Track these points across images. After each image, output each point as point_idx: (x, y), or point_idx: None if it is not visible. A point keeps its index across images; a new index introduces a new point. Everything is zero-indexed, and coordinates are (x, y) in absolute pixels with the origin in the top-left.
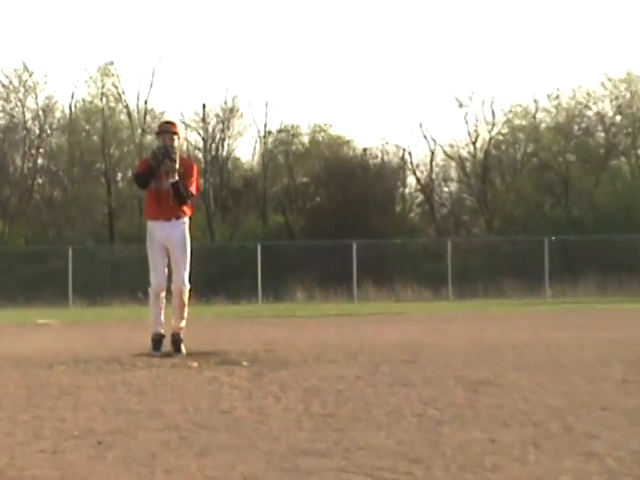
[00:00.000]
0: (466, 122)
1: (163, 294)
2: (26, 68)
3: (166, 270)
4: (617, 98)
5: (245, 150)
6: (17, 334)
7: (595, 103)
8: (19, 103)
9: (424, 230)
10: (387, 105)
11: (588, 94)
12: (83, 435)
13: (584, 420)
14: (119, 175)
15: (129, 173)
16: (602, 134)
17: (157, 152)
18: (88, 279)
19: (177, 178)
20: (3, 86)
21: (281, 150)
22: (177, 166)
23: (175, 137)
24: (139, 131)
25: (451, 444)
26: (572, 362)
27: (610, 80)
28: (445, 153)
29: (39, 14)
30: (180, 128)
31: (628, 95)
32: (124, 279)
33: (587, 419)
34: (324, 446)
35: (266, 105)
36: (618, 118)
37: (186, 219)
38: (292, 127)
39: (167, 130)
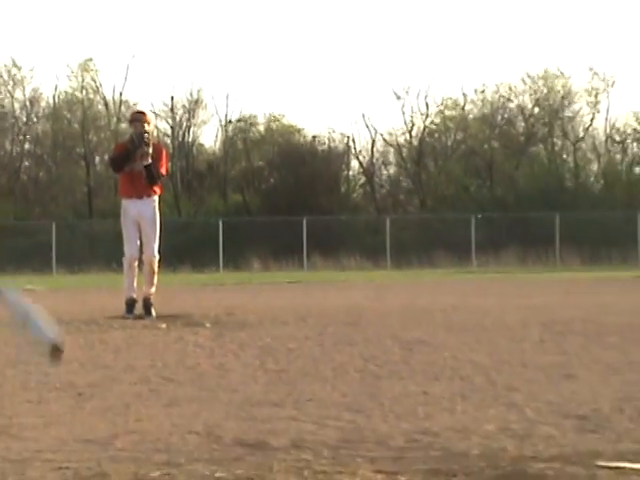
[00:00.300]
0: (403, 113)
1: (135, 263)
2: (15, 64)
3: (138, 242)
4: (535, 92)
5: (208, 137)
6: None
7: (516, 97)
8: (8, 94)
9: (366, 208)
10: (334, 97)
11: (510, 89)
12: (65, 387)
13: (505, 375)
14: (97, 158)
15: (105, 156)
16: (522, 124)
17: (135, 138)
18: (69, 250)
19: (150, 161)
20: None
21: (240, 137)
22: (150, 151)
23: (146, 124)
24: (115, 120)
25: (389, 396)
26: (495, 324)
27: (529, 77)
28: (384, 140)
29: (27, 15)
30: (150, 117)
31: (545, 90)
32: (101, 251)
33: (508, 374)
34: (277, 398)
35: (227, 97)
36: (536, 110)
37: (156, 197)
38: (250, 117)
39: (138, 119)
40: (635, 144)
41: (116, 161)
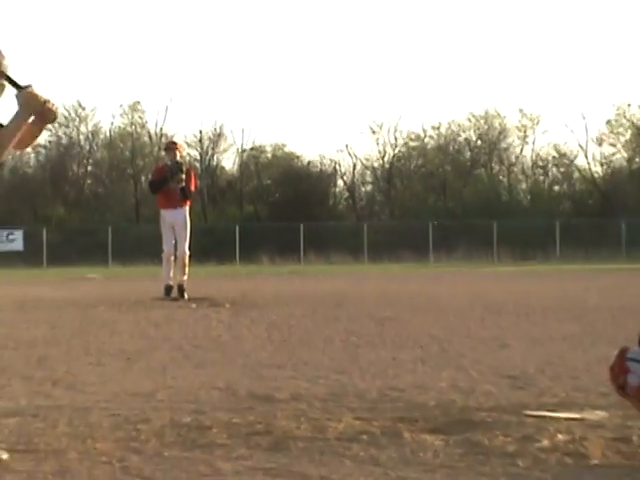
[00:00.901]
0: (377, 143)
1: (172, 258)
2: (80, 105)
3: (173, 242)
4: (478, 129)
5: (228, 162)
6: (74, 284)
7: (464, 131)
8: (75, 129)
9: (348, 216)
10: (325, 131)
11: (459, 125)
12: (117, 353)
13: (455, 345)
14: (142, 178)
15: (149, 176)
16: (468, 153)
17: (172, 167)
18: (121, 248)
19: (183, 184)
20: (65, 117)
21: (252, 162)
22: (183, 176)
23: (177, 152)
24: (156, 148)
25: (365, 361)
26: (447, 306)
27: (474, 116)
28: (363, 164)
29: (89, 67)
30: (181, 145)
31: (486, 127)
32: (145, 248)
33: (457, 344)
34: (280, 361)
35: (242, 131)
36: (479, 142)
37: (187, 208)
38: (260, 146)
39: (171, 148)
40: (554, 168)
41: (154, 185)
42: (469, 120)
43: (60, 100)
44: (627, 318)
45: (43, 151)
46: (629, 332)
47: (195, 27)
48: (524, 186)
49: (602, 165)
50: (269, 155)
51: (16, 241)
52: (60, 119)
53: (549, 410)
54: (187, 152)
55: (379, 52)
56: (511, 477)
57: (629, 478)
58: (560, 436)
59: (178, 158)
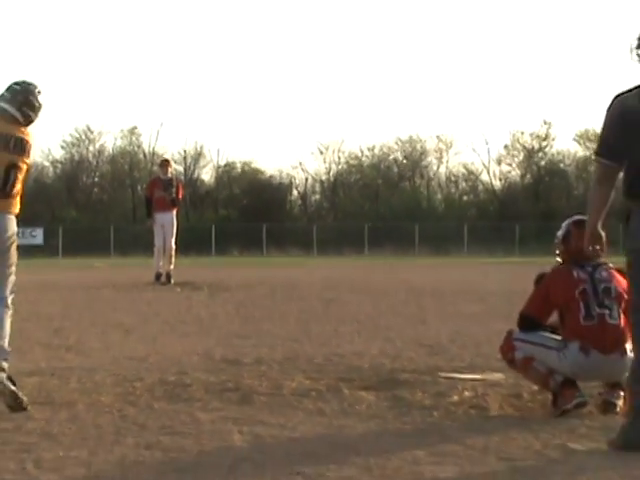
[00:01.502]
0: (324, 161)
1: (161, 251)
2: (89, 129)
3: (162, 238)
4: (404, 150)
5: (206, 175)
6: (83, 271)
7: (392, 152)
8: (85, 148)
9: (301, 219)
10: (283, 151)
11: (389, 147)
12: (117, 325)
13: (384, 320)
14: (139, 187)
15: (144, 185)
16: (396, 169)
17: (167, 184)
18: (121, 242)
19: (174, 195)
20: (77, 139)
21: (226, 175)
22: (173, 190)
23: (169, 168)
24: (150, 164)
25: (314, 332)
26: (378, 289)
27: (401, 140)
28: (313, 178)
29: (96, 98)
30: (171, 162)
31: (410, 149)
32: (140, 242)
33: (385, 320)
34: (246, 332)
35: (218, 151)
36: (405, 161)
37: (174, 212)
38: (232, 163)
39: (163, 165)
40: (463, 182)
41: (147, 201)
42: (397, 143)
43: (74, 125)
44: (518, 300)
45: (60, 165)
46: (519, 311)
47: (180, 69)
48: (439, 196)
49: (500, 180)
50: (239, 170)
51: (37, 237)
52: (73, 140)
53: (458, 372)
54: (174, 167)
55: (326, 87)
56: (428, 425)
57: (519, 425)
58: (466, 393)
59: (169, 174)
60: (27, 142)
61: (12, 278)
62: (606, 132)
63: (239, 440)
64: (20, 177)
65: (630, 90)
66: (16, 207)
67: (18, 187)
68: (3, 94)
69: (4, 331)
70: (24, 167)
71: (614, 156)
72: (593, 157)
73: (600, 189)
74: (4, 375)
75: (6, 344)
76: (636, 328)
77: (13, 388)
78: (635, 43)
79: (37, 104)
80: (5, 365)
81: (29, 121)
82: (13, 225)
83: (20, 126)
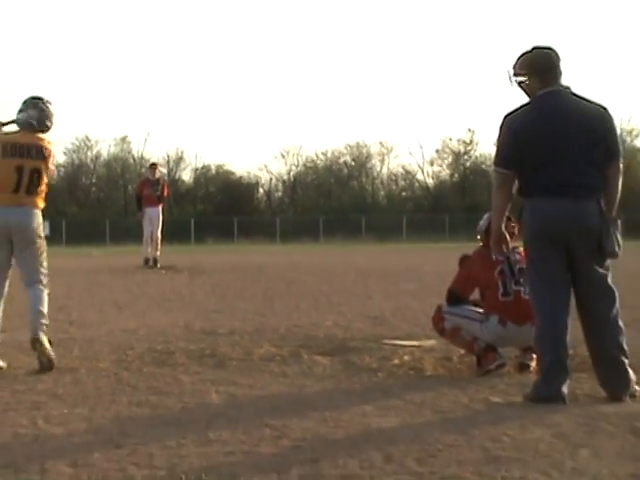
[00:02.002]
0: (286, 164)
1: (149, 240)
2: (87, 138)
3: (150, 229)
4: (352, 154)
5: (187, 176)
6: (83, 258)
7: (342, 156)
8: (84, 154)
9: (266, 213)
10: (250, 155)
11: (339, 152)
12: (111, 303)
13: (337, 297)
14: (130, 187)
15: (134, 185)
16: (346, 170)
17: (154, 183)
18: (115, 234)
19: (159, 193)
20: (77, 146)
21: (202, 176)
22: (159, 188)
23: (157, 170)
24: (139, 167)
25: (278, 308)
26: (331, 272)
27: (349, 145)
28: (276, 178)
29: (95, 113)
30: (159, 165)
31: (357, 153)
32: (132, 233)
33: (338, 297)
34: (221, 308)
35: (196, 156)
36: (353, 163)
37: (160, 207)
38: (207, 165)
39: (152, 167)
40: (402, 181)
41: (138, 199)
42: (346, 148)
43: (75, 134)
44: (448, 278)
45: (62, 169)
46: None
47: (165, 87)
48: (382, 192)
49: (433, 179)
50: (214, 171)
51: (45, 229)
52: (74, 147)
53: (399, 340)
54: (161, 169)
55: (287, 101)
56: (374, 384)
57: (450, 383)
58: (406, 357)
59: (157, 175)
60: (47, 149)
61: (44, 263)
62: (501, 146)
63: (216, 398)
64: (44, 178)
65: (517, 109)
66: (41, 203)
67: (42, 187)
68: (21, 108)
69: (44, 305)
70: (46, 170)
71: (509, 165)
72: (492, 167)
73: (500, 194)
74: (45, 338)
75: (46, 314)
76: (535, 303)
77: (50, 351)
78: (512, 71)
79: (49, 113)
80: (45, 329)
81: (46, 129)
82: (39, 218)
83: (39, 135)
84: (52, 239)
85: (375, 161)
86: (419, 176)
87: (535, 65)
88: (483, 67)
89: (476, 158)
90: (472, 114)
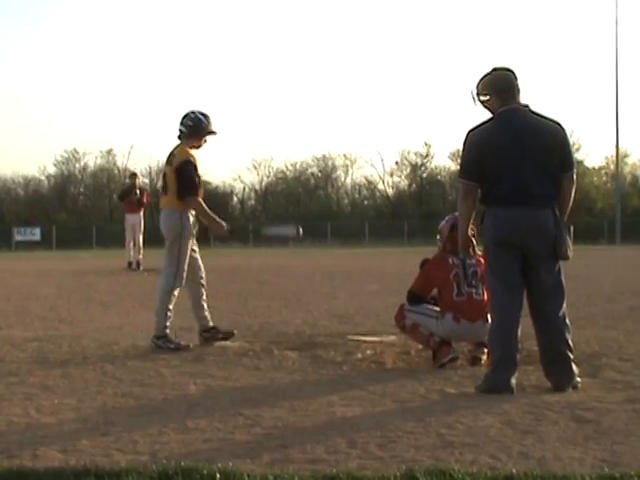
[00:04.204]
0: (257, 174)
1: (131, 244)
2: (76, 150)
3: (132, 234)
4: (319, 166)
5: None
6: (72, 261)
7: (310, 167)
8: (73, 165)
9: (240, 219)
10: (225, 167)
11: (307, 163)
12: (98, 302)
13: (305, 297)
14: (114, 195)
15: (117, 193)
16: (313, 181)
17: (134, 190)
18: (101, 238)
19: (138, 196)
20: (66, 158)
21: None
22: (139, 193)
23: (136, 179)
24: (123, 177)
25: (251, 307)
26: (300, 273)
27: (316, 158)
28: (249, 188)
29: (82, 128)
30: (139, 175)
31: (324, 165)
32: (116, 238)
33: (306, 296)
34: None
35: None
36: (320, 174)
37: (141, 213)
38: None
39: (132, 176)
40: (365, 190)
41: (121, 196)
42: (313, 160)
43: (64, 147)
44: (408, 280)
45: (53, 179)
46: (408, 288)
47: (147, 104)
48: (346, 201)
49: (393, 188)
50: None
51: (36, 235)
52: (63, 159)
53: (362, 336)
54: (141, 179)
55: (257, 116)
56: (339, 377)
57: (408, 375)
58: (368, 351)
59: (137, 184)
60: (173, 154)
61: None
62: (465, 159)
63: (194, 390)
64: (168, 182)
65: (479, 125)
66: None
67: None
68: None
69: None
70: (170, 174)
71: (472, 177)
72: (458, 179)
73: (465, 203)
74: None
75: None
76: (491, 301)
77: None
78: (475, 91)
79: (187, 122)
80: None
81: (181, 135)
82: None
83: (179, 143)
84: (43, 244)
85: (340, 172)
86: (380, 186)
87: (495, 85)
88: (439, 85)
89: (432, 170)
90: (428, 129)
